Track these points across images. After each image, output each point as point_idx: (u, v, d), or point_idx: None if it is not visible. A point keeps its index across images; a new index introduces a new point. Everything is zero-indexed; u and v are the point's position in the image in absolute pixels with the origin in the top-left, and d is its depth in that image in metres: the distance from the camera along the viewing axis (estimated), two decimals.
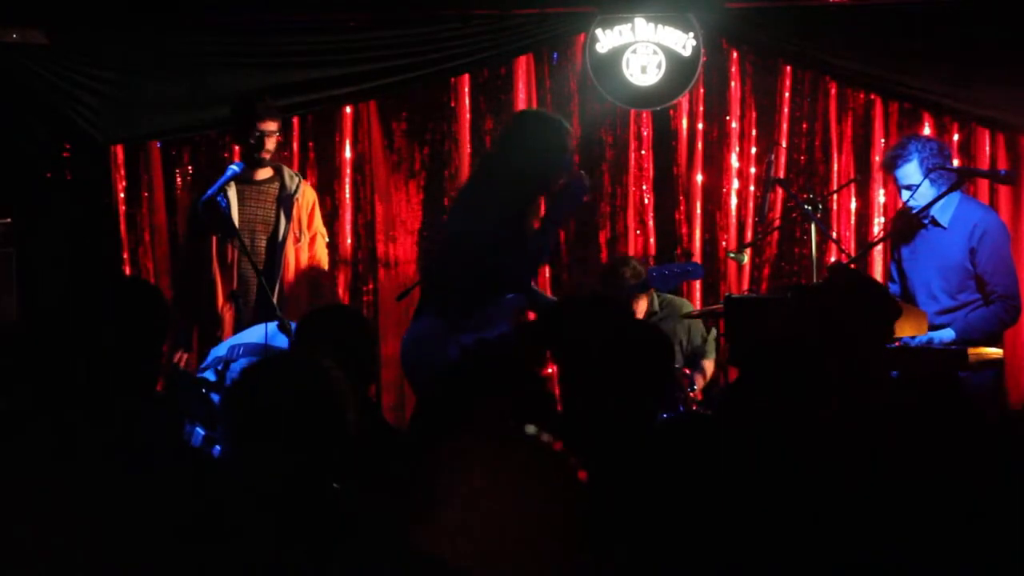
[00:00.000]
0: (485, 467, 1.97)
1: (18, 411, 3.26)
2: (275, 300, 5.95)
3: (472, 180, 5.92)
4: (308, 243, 6.52)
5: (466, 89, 7.41)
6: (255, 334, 5.50)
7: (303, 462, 2.72)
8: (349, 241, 7.48)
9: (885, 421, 2.76)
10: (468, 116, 7.42)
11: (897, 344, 5.49)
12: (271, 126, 6.35)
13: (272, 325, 5.36)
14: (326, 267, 6.74)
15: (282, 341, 5.25)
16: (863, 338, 4.17)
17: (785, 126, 7.33)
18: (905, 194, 5.95)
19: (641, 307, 6.49)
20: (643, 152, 7.41)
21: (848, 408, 3.37)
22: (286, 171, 6.53)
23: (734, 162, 7.39)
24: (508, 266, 5.39)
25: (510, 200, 5.39)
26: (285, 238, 6.41)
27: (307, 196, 6.58)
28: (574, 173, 5.57)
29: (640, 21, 7.14)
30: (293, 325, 5.14)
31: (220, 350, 5.55)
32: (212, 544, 2.53)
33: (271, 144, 6.36)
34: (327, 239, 6.77)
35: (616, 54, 7.14)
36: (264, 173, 6.45)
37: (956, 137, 7.16)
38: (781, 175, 7.10)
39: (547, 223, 5.52)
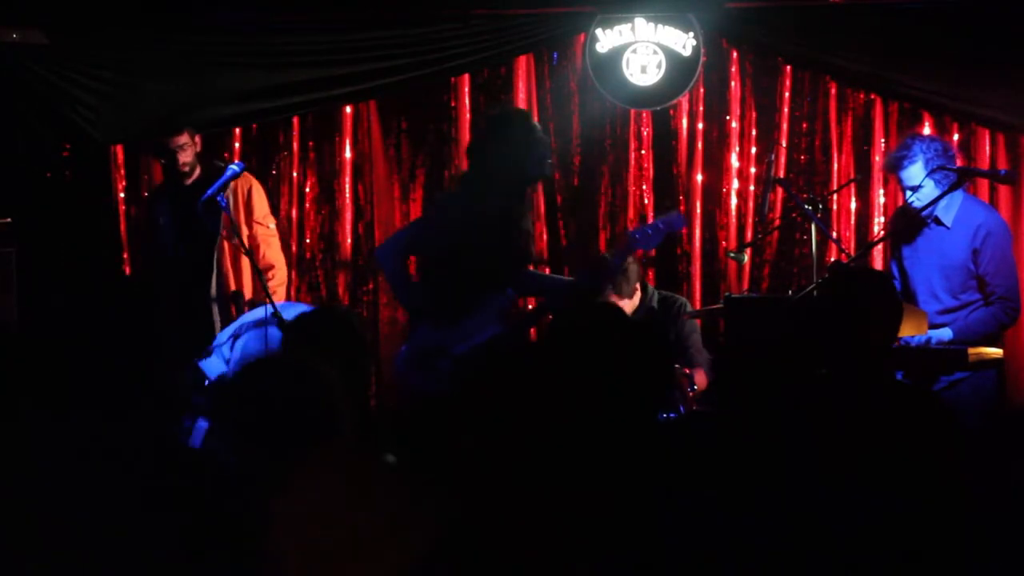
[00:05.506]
0: (318, 486, 1.99)
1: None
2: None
3: (453, 184, 5.89)
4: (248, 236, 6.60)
5: (466, 89, 7.42)
6: (255, 313, 5.55)
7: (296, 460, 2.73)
8: (349, 241, 7.47)
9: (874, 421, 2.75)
10: (468, 116, 7.42)
11: (897, 344, 5.48)
12: (181, 139, 6.60)
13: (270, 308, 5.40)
14: (271, 258, 6.74)
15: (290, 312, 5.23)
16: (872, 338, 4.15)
17: (785, 126, 7.32)
18: (909, 194, 5.94)
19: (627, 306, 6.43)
20: (643, 152, 7.41)
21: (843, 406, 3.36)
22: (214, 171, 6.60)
23: (734, 162, 7.39)
24: (491, 269, 5.37)
25: (493, 200, 5.38)
26: (216, 240, 6.58)
27: (239, 190, 6.62)
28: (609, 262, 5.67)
29: (640, 21, 7.14)
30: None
31: (224, 335, 5.59)
32: (208, 543, 2.53)
33: (184, 157, 6.62)
34: (271, 226, 6.81)
35: (616, 54, 7.14)
36: (192, 178, 6.65)
37: (956, 137, 7.15)
38: (781, 175, 7.09)
39: (566, 282, 5.57)
